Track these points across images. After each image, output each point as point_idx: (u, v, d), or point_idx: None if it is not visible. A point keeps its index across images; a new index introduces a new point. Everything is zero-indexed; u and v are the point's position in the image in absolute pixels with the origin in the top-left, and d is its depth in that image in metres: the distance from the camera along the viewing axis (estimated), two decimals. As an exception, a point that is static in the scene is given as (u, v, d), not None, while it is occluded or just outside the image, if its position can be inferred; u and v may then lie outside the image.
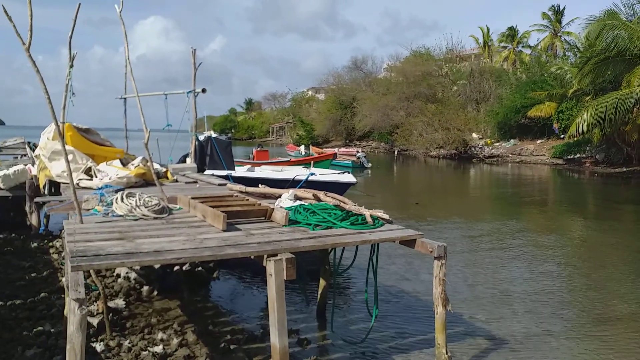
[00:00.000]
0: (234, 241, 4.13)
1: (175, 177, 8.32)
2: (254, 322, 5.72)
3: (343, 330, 5.36)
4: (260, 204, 5.35)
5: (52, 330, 4.84)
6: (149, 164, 7.76)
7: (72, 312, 3.09)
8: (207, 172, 9.96)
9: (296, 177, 9.41)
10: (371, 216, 4.70)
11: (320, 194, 5.41)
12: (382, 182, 23.90)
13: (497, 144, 37.54)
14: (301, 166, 15.21)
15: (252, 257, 4.11)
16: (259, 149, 27.69)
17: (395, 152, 42.99)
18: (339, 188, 8.60)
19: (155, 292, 6.18)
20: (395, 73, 51.81)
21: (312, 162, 20.04)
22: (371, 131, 50.20)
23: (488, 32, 54.22)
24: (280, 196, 5.96)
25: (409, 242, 4.48)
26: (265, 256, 3.96)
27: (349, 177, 9.96)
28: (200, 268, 6.98)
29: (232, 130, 71.85)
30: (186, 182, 8.10)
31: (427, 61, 47.33)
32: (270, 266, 3.81)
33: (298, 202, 5.45)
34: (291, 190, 5.85)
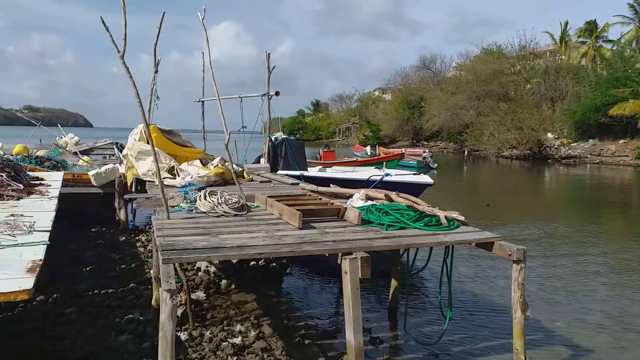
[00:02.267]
0: (310, 239, 4.26)
1: (250, 177, 8.64)
2: (326, 318, 5.85)
3: (416, 331, 5.36)
4: (333, 203, 5.47)
5: (141, 318, 5.21)
6: (227, 164, 8.14)
7: (164, 302, 3.33)
8: (280, 172, 10.24)
9: (371, 178, 9.36)
10: (446, 217, 4.67)
11: (392, 194, 5.44)
12: (450, 183, 23.36)
13: (575, 144, 35.62)
14: (373, 166, 15.22)
15: (327, 254, 4.22)
16: (326, 150, 27.92)
17: (465, 153, 41.84)
18: (414, 189, 8.46)
19: (233, 286, 6.47)
20: (465, 71, 50.48)
21: (384, 162, 19.83)
22: (439, 131, 49.20)
23: (565, 27, 51.34)
24: (351, 196, 6.05)
25: (486, 245, 4.41)
26: (340, 254, 4.04)
27: (425, 178, 9.75)
28: (274, 264, 7.23)
29: (300, 132, 72.88)
30: (261, 182, 8.39)
31: (498, 59, 45.71)
32: (345, 264, 3.90)
33: (369, 202, 5.50)
34: (362, 190, 5.92)
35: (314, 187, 6.91)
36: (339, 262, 4.02)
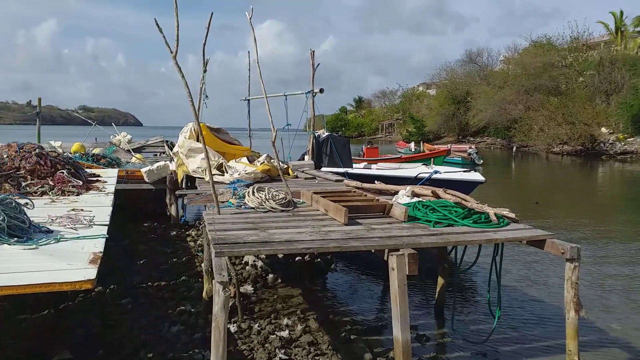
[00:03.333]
0: (357, 234, 4.28)
1: (295, 174, 8.75)
2: (371, 314, 5.87)
3: (463, 329, 5.30)
4: (378, 200, 5.47)
5: (192, 310, 5.40)
6: (272, 161, 8.27)
7: (217, 294, 3.45)
8: (324, 169, 10.30)
9: (419, 175, 9.17)
10: (495, 214, 4.58)
11: (439, 191, 5.39)
12: (496, 179, 22.78)
13: (632, 139, 33.91)
14: (417, 163, 15.04)
15: (373, 250, 4.23)
16: (368, 146, 27.77)
17: (514, 149, 40.63)
18: (465, 187, 8.16)
19: (279, 280, 6.59)
20: (513, 65, 48.99)
21: (431, 158, 19.40)
22: (486, 126, 47.99)
23: (621, 16, 48.84)
24: (396, 193, 6.03)
25: (538, 243, 4.31)
26: (386, 250, 4.05)
27: (476, 176, 9.39)
28: (318, 260, 7.31)
29: (342, 129, 72.79)
30: (305, 178, 8.48)
31: (549, 51, 44.06)
32: (392, 261, 3.90)
33: (415, 199, 5.47)
34: (408, 187, 5.89)
35: (359, 184, 6.93)
36: (385, 258, 4.03)
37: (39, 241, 3.76)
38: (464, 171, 10.19)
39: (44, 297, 5.37)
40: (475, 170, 10.85)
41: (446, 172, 9.64)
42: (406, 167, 11.74)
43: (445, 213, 4.69)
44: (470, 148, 30.07)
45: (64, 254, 3.52)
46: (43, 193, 5.77)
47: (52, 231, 4.10)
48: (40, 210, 4.65)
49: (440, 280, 5.80)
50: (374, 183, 6.96)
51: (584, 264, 7.35)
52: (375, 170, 11.35)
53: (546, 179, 24.12)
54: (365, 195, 5.86)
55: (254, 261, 6.95)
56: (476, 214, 4.68)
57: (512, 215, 4.65)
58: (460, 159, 27.03)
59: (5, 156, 6.16)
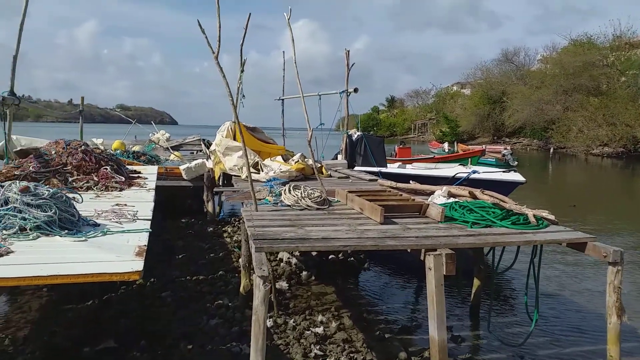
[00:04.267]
0: (393, 234, 4.30)
1: (329, 173, 8.81)
2: (404, 313, 5.87)
3: (500, 331, 5.24)
4: (414, 199, 5.47)
5: (230, 304, 5.52)
6: (306, 160, 8.36)
7: (257, 288, 3.53)
8: (357, 168, 10.32)
9: (456, 175, 9.02)
10: (534, 216, 4.53)
11: (477, 192, 5.35)
12: (532, 181, 22.26)
13: (678, 141, 32.58)
14: (451, 164, 14.86)
15: (409, 250, 4.24)
16: (401, 146, 27.58)
17: (551, 150, 39.63)
18: (504, 187, 7.98)
19: (313, 277, 6.66)
20: (551, 64, 47.74)
21: (469, 158, 19.01)
22: (522, 127, 46.98)
23: (668, 13, 46.90)
24: (431, 193, 6.01)
25: (578, 246, 4.23)
26: (423, 250, 4.06)
27: (516, 176, 9.12)
28: (352, 258, 7.34)
29: (374, 128, 72.45)
30: (339, 177, 8.53)
31: (589, 50, 42.76)
32: (429, 260, 3.91)
33: (452, 199, 5.45)
34: (444, 187, 5.86)
35: (393, 183, 6.94)
36: (422, 258, 4.04)
37: (88, 234, 3.93)
38: (503, 171, 9.99)
39: (88, 288, 5.59)
40: (516, 172, 10.57)
41: (485, 172, 9.41)
42: (442, 167, 11.58)
43: (483, 214, 4.66)
44: (504, 149, 29.47)
45: (111, 246, 3.68)
46: (88, 188, 6.00)
47: (98, 224, 4.28)
48: (86, 204, 4.86)
49: (477, 282, 5.76)
50: (409, 183, 6.95)
51: (625, 269, 7.15)
52: (410, 169, 11.28)
53: (585, 182, 23.44)
54: (401, 195, 5.87)
55: (288, 258, 7.04)
56: (514, 215, 4.63)
57: (552, 217, 4.58)
58: (494, 160, 26.50)
59: (53, 152, 6.44)
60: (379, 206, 4.76)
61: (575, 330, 5.37)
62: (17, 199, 3.85)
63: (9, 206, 3.84)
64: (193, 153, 14.18)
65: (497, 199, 5.00)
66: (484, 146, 29.71)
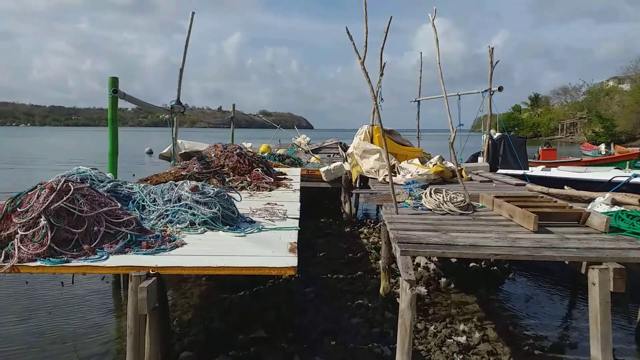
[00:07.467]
0: (549, 244, 4.01)
1: (469, 176, 8.48)
2: (556, 330, 5.41)
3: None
4: (572, 207, 5.03)
5: (369, 304, 5.59)
6: (444, 162, 8.15)
7: (404, 291, 3.54)
8: (499, 171, 9.79)
9: (614, 179, 8.17)
10: None
11: (648, 200, 4.75)
12: None
13: None
14: (602, 167, 13.36)
15: (567, 262, 3.92)
16: (545, 148, 25.42)
17: None
18: None
19: (452, 285, 6.46)
20: None
21: (627, 161, 16.85)
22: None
23: None
24: (590, 199, 5.48)
25: None
26: (584, 263, 3.73)
27: None
28: (494, 267, 6.98)
29: (515, 128, 67.87)
30: (481, 181, 8.17)
31: None
32: (593, 275, 3.57)
33: (616, 208, 4.91)
34: (608, 194, 5.30)
35: (544, 189, 6.45)
36: (583, 271, 3.71)
37: (246, 230, 4.28)
38: None
39: (240, 280, 6.08)
40: None
41: None
42: (594, 171, 10.45)
43: (657, 225, 4.12)
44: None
45: (266, 242, 3.96)
46: (242, 188, 6.54)
47: (254, 221, 4.65)
48: (242, 202, 5.29)
49: (645, 302, 5.11)
50: (560, 187, 6.41)
51: None
52: (557, 173, 10.36)
53: None
54: (556, 202, 5.44)
55: (426, 263, 6.93)
56: (699, 228, 4.02)
57: None
58: None
59: (213, 155, 7.12)
60: (532, 213, 4.47)
61: None
62: (188, 197, 4.34)
63: (181, 203, 4.34)
64: (330, 156, 14.66)
65: (676, 209, 4.38)
66: None
